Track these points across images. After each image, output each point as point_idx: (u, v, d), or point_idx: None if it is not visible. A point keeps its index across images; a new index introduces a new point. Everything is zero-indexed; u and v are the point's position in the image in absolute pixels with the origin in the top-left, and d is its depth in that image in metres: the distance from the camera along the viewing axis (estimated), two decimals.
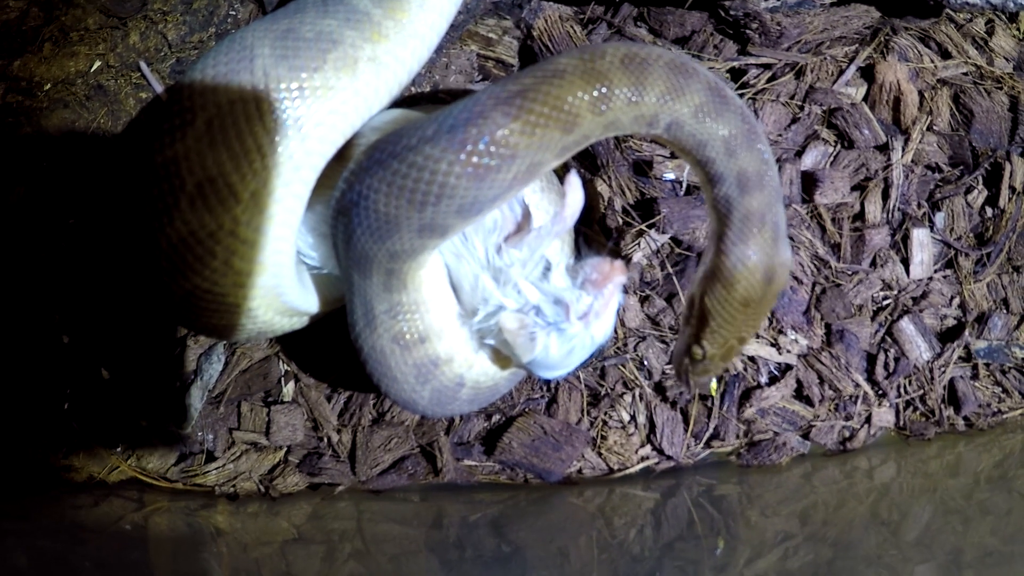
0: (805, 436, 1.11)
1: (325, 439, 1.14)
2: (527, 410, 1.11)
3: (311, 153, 0.85)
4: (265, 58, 0.83)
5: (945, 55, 1.12)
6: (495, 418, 1.12)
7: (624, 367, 1.10)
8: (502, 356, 0.94)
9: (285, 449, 1.16)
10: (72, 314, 1.24)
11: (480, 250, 0.87)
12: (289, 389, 1.16)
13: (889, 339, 1.11)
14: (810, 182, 1.10)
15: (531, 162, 0.75)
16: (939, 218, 1.11)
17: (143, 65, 1.17)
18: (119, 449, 1.22)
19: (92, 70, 1.20)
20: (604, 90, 0.75)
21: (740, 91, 1.10)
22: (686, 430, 1.10)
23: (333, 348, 1.15)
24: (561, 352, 0.86)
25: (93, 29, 1.20)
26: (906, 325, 1.10)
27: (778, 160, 1.11)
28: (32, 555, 1.10)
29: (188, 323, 0.93)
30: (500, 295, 0.86)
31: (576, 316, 0.84)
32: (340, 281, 0.96)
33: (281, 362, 1.16)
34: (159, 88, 1.16)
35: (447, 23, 0.94)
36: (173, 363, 1.20)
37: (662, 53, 0.79)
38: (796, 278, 1.10)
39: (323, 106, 0.84)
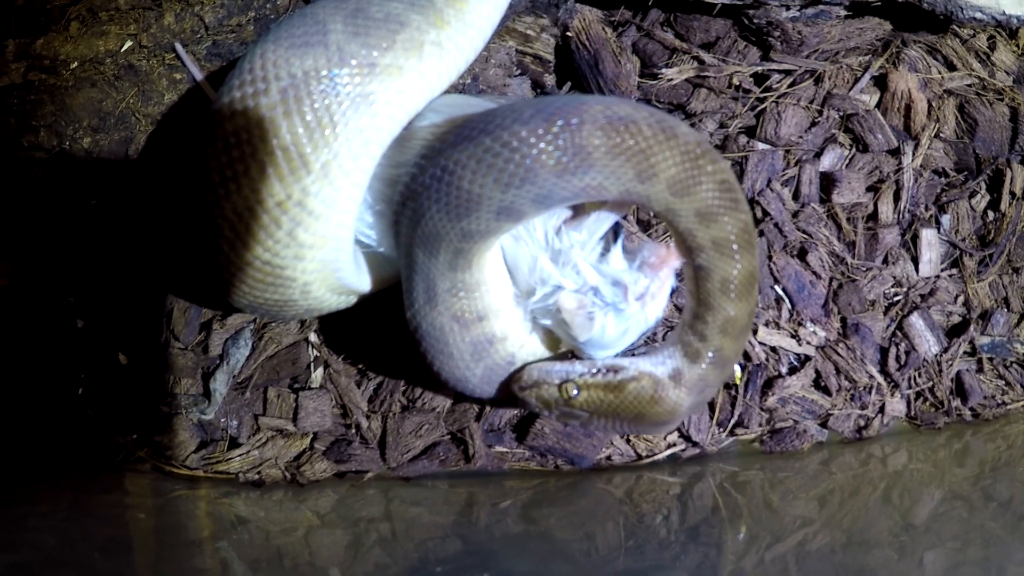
0: (823, 424, 1.16)
1: (354, 425, 1.14)
2: None
3: (379, 130, 0.86)
4: (338, 33, 0.85)
5: (951, 67, 1.20)
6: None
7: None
8: (550, 338, 0.96)
9: (312, 436, 1.15)
10: (88, 297, 1.21)
11: (540, 232, 0.89)
12: (318, 375, 1.15)
13: (900, 333, 1.17)
14: (828, 182, 1.16)
15: (600, 183, 0.78)
16: (945, 220, 1.19)
17: (178, 46, 1.16)
18: (136, 436, 1.19)
19: (123, 50, 1.19)
20: (691, 181, 0.80)
21: (763, 95, 1.16)
22: (711, 418, 1.14)
23: (364, 334, 1.15)
24: (617, 332, 0.89)
25: (124, 9, 1.19)
26: (916, 320, 1.16)
27: (798, 161, 1.17)
28: (55, 538, 1.07)
29: (240, 297, 0.92)
30: (559, 276, 0.88)
31: (634, 297, 0.87)
32: (391, 261, 0.97)
33: (310, 347, 1.16)
34: (195, 69, 1.15)
35: (500, 16, 0.97)
36: (197, 348, 1.18)
37: (746, 213, 0.85)
38: (815, 273, 1.15)
39: (393, 85, 0.86)
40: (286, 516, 1.16)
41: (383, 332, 1.14)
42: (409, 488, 1.14)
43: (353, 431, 1.14)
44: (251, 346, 1.16)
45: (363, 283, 0.96)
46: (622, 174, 0.77)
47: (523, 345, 0.94)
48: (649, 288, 0.88)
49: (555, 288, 0.89)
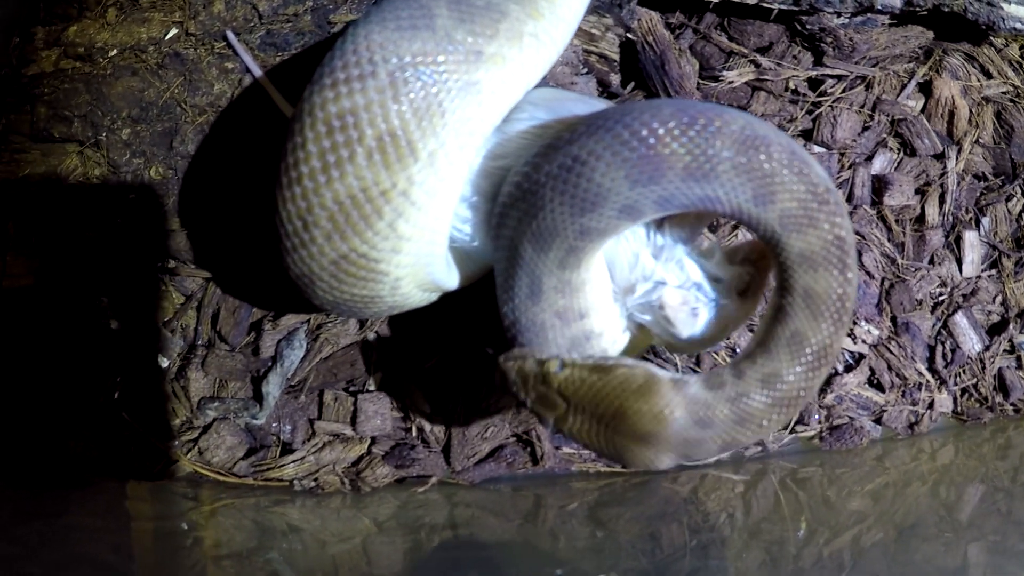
0: (877, 421, 1.18)
1: (416, 429, 1.10)
2: None
3: (484, 120, 0.84)
4: (444, 18, 0.82)
5: (988, 75, 1.25)
6: None
7: (717, 354, 1.14)
8: (640, 336, 0.95)
9: (371, 440, 1.11)
10: (122, 297, 1.15)
11: (642, 228, 0.88)
12: (377, 377, 1.12)
13: (945, 332, 1.20)
14: (880, 185, 1.19)
15: (718, 195, 0.75)
16: (984, 222, 1.23)
17: (230, 35, 1.11)
18: (177, 442, 1.13)
19: (167, 37, 1.14)
20: (805, 221, 0.76)
21: (819, 99, 1.19)
22: None
23: (426, 334, 1.12)
24: (718, 327, 0.88)
25: None
26: (960, 319, 1.20)
27: (852, 164, 1.19)
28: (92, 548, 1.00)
29: (325, 293, 0.88)
30: (663, 271, 0.87)
31: (737, 292, 0.87)
32: (474, 258, 0.95)
33: (370, 348, 1.12)
34: (249, 59, 1.11)
35: (584, 11, 0.96)
36: (246, 349, 1.13)
37: (850, 284, 0.79)
38: (868, 273, 1.18)
39: (498, 75, 0.84)
40: (343, 524, 1.12)
41: (447, 332, 1.11)
42: (473, 492, 1.12)
43: (415, 435, 1.11)
44: (305, 347, 1.11)
45: (451, 280, 0.93)
46: (741, 192, 0.75)
47: (615, 342, 0.93)
48: (750, 284, 0.88)
49: (656, 284, 0.88)
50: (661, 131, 0.74)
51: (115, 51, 1.14)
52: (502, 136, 0.88)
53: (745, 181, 0.75)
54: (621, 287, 0.90)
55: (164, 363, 1.14)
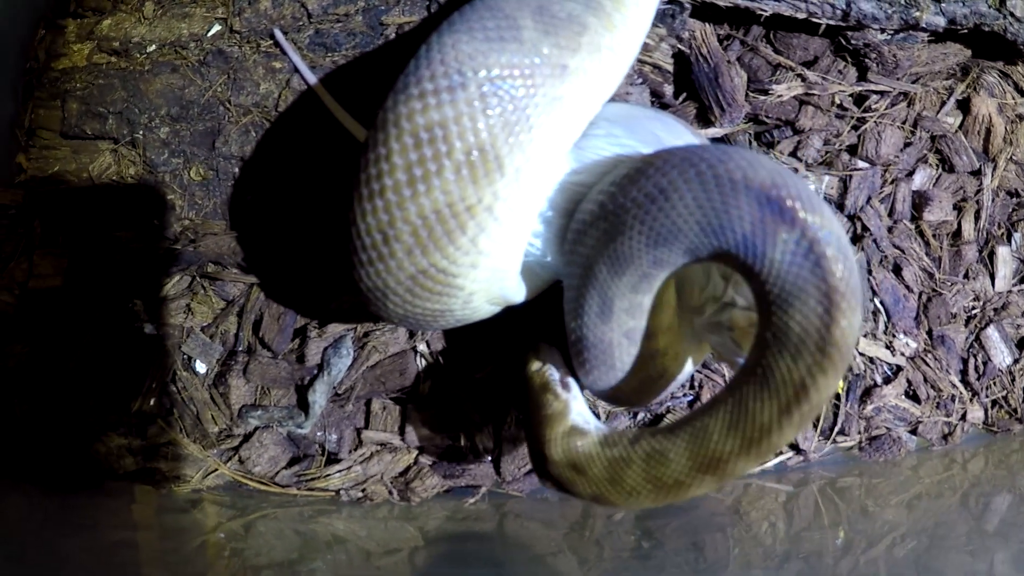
0: (913, 432, 1.21)
1: (465, 439, 1.09)
2: (671, 408, 1.12)
3: (568, 135, 0.83)
4: (530, 31, 0.81)
5: (1021, 93, 1.27)
6: (640, 416, 1.13)
7: None
8: (696, 352, 0.95)
9: (419, 450, 1.09)
10: (157, 300, 1.11)
11: None
12: (427, 386, 1.10)
13: (977, 345, 1.23)
14: (921, 200, 1.21)
15: (761, 270, 0.72)
16: (1016, 238, 1.26)
17: (278, 33, 1.08)
18: (216, 450, 1.10)
19: (210, 34, 1.10)
20: (794, 350, 0.69)
21: (864, 114, 1.20)
22: (815, 427, 1.16)
23: (477, 343, 1.11)
24: None
25: None
26: (992, 332, 1.23)
27: (894, 180, 1.21)
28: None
29: (396, 307, 0.86)
30: (732, 293, 0.87)
31: None
32: (538, 273, 0.93)
33: (419, 357, 1.10)
34: (298, 59, 1.08)
35: (649, 25, 0.95)
36: (290, 356, 1.10)
37: (802, 418, 0.71)
38: (908, 287, 1.20)
39: (580, 87, 0.83)
40: (390, 535, 1.10)
41: (498, 342, 1.10)
42: (522, 502, 1.11)
43: (465, 445, 1.09)
44: (353, 355, 1.09)
45: (520, 294, 0.92)
46: (778, 282, 0.71)
47: (676, 356, 0.93)
48: None
49: (724, 305, 0.88)
50: (743, 192, 0.72)
51: (153, 47, 1.10)
52: (579, 151, 0.87)
53: (788, 267, 0.71)
54: (690, 306, 0.90)
55: (202, 369, 1.11)
